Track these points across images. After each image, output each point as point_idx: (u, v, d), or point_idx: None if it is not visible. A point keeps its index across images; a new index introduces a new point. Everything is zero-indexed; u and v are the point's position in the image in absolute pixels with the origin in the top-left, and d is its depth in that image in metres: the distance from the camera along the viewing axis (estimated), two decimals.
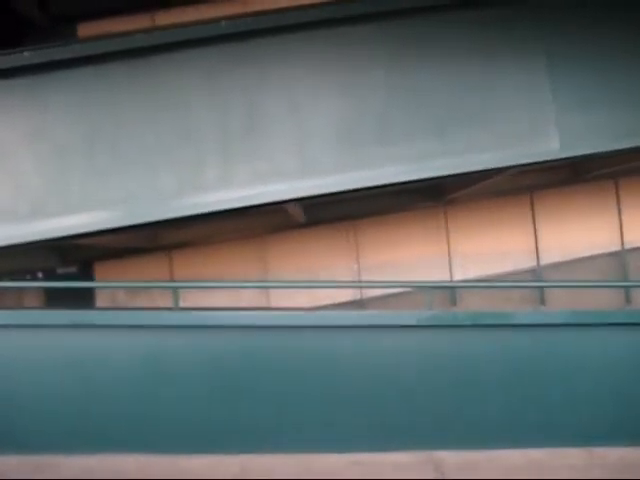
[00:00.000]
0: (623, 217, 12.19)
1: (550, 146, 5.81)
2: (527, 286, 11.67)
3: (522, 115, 5.87)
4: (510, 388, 5.25)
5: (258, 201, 5.82)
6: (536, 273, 12.02)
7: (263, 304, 11.10)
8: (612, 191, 12.22)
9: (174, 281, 10.93)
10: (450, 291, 11.23)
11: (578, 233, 11.93)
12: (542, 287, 11.59)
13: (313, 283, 10.69)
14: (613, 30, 5.83)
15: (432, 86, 5.78)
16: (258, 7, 6.43)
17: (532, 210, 12.21)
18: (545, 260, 12.06)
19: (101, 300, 11.08)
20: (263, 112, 5.75)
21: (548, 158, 6.04)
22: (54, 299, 10.66)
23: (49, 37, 7.39)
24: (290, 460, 4.94)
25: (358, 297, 11.41)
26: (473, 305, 10.80)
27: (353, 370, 5.31)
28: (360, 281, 11.72)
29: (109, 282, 11.91)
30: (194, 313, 5.99)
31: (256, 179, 5.74)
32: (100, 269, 11.61)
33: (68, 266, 11.46)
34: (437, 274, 11.53)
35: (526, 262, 12.06)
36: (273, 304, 11.14)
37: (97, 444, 5.18)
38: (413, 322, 5.45)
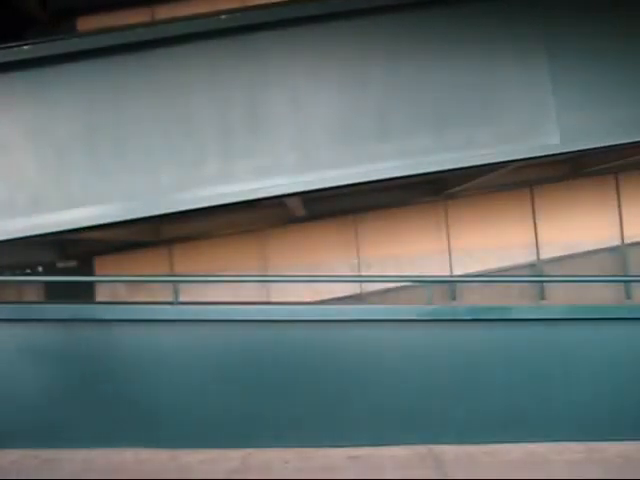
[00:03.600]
0: (623, 212, 12.17)
1: (550, 140, 5.79)
2: (527, 281, 11.66)
3: (522, 109, 5.85)
4: (509, 382, 5.27)
5: (259, 195, 5.81)
6: (536, 268, 12.02)
7: (263, 298, 11.11)
8: (612, 186, 12.19)
9: (174, 275, 10.93)
10: (450, 285, 11.23)
11: (578, 228, 11.92)
12: (542, 282, 11.59)
13: (313, 277, 10.69)
14: (614, 25, 5.80)
15: (432, 81, 5.76)
16: (257, 1, 6.39)
17: (532, 205, 12.20)
18: (545, 255, 12.05)
19: (101, 294, 11.09)
20: (264, 106, 5.74)
21: (548, 153, 6.02)
22: (54, 293, 10.68)
23: (49, 31, 7.38)
24: (290, 454, 4.96)
25: (358, 291, 11.43)
26: (472, 300, 10.80)
27: (353, 364, 5.33)
28: (360, 275, 11.71)
29: (109, 276, 11.91)
30: (194, 307, 5.99)
31: (257, 173, 5.73)
32: (100, 263, 11.62)
33: (68, 260, 11.47)
34: (437, 268, 11.54)
35: (526, 257, 12.05)
36: (273, 298, 11.15)
37: (97, 438, 5.20)
38: (413, 316, 5.47)
